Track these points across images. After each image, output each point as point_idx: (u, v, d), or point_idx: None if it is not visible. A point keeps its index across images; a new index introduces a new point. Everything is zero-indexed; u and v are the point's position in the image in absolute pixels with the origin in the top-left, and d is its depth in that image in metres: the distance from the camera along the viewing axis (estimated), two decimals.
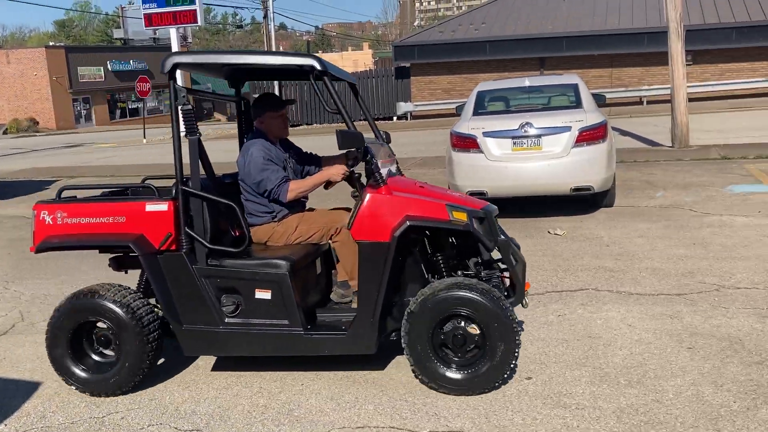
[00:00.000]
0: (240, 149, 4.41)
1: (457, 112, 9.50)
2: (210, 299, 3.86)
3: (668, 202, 8.59)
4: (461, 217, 3.77)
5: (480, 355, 3.65)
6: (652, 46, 23.80)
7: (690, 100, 14.53)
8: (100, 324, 3.91)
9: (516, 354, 3.63)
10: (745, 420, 3.25)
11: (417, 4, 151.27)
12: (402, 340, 3.72)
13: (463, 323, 3.65)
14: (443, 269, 4.00)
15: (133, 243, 3.81)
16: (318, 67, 3.76)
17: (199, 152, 3.90)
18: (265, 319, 3.86)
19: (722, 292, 5.12)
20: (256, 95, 4.47)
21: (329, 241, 4.17)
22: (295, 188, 4.10)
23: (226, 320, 3.87)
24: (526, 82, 9.45)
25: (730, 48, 26.01)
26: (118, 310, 3.78)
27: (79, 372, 3.89)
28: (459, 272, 4.08)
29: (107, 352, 3.96)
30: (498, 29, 28.69)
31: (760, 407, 3.35)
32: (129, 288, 3.99)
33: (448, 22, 32.60)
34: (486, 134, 8.06)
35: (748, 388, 3.56)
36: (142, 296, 3.98)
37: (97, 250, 4.19)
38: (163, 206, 3.85)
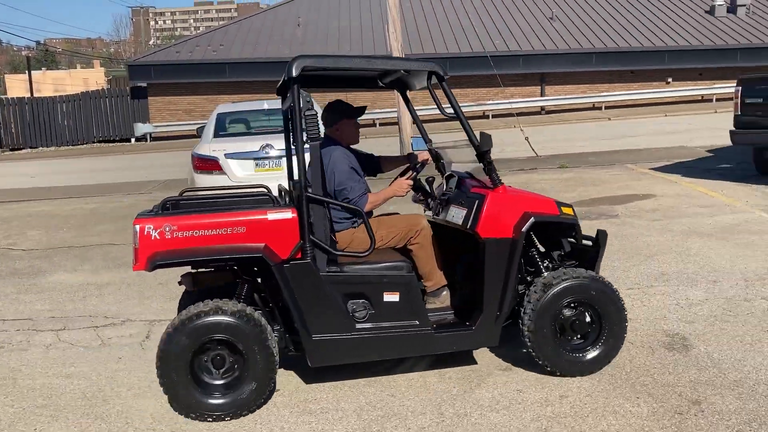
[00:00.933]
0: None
1: (198, 133, 9.46)
2: (339, 306, 3.78)
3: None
4: (569, 211, 4.13)
5: (595, 339, 3.93)
6: None
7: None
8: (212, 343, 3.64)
9: (625, 334, 4.00)
10: (463, 402, 3.74)
11: (152, 23, 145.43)
12: (523, 329, 3.86)
13: (574, 310, 3.90)
14: (539, 262, 4.15)
15: (265, 253, 3.58)
16: (440, 72, 3.98)
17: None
18: (395, 321, 3.85)
19: None
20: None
21: (407, 245, 4.18)
22: (372, 201, 4.16)
23: (357, 326, 3.81)
24: (265, 105, 9.72)
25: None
26: (244, 325, 3.58)
27: (211, 401, 3.62)
28: (547, 264, 4.22)
29: (216, 371, 3.66)
30: (236, 52, 28.83)
31: (475, 389, 3.88)
32: (241, 303, 3.74)
33: (185, 42, 31.91)
34: (228, 156, 8.17)
35: (465, 374, 4.09)
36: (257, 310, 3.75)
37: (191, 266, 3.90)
38: (287, 214, 3.72)
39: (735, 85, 10.33)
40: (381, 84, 4.49)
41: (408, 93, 4.88)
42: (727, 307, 4.97)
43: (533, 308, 3.85)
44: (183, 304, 4.17)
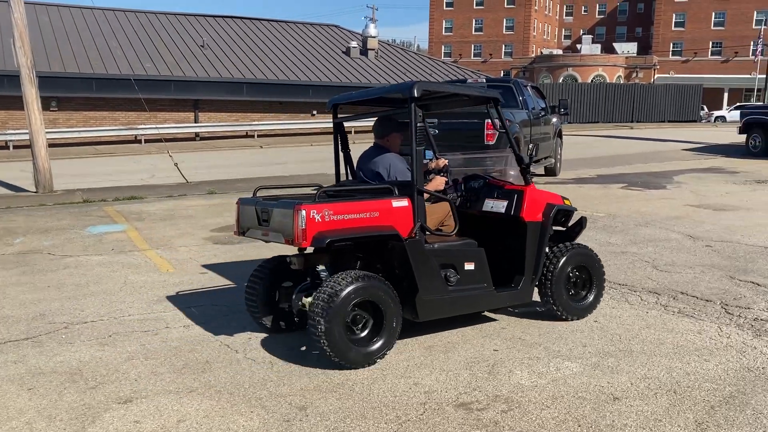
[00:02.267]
0: (347, 162, 5.66)
1: None
2: (438, 273, 4.69)
3: (27, 248, 8.51)
4: (568, 203, 5.46)
5: (586, 286, 5.43)
6: (14, 90, 23.08)
7: (57, 145, 14.75)
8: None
9: (604, 283, 5.55)
10: None
11: None
12: (548, 283, 5.18)
13: (576, 272, 5.35)
14: None
15: (398, 233, 4.47)
16: (501, 99, 5.21)
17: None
18: (472, 284, 4.86)
19: (70, 329, 5.38)
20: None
21: (440, 226, 5.13)
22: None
23: (450, 288, 4.74)
24: None
25: (93, 97, 27.37)
26: (387, 288, 4.46)
27: (370, 348, 4.44)
28: None
29: (356, 328, 4.45)
30: None
31: (88, 428, 3.68)
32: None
33: None
34: None
35: (80, 414, 3.86)
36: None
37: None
38: (404, 202, 4.58)
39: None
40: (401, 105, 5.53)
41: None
42: None
43: (552, 273, 5.17)
44: (261, 284, 5.00)
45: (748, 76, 60.79)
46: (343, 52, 35.42)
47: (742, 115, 20.08)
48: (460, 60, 72.02)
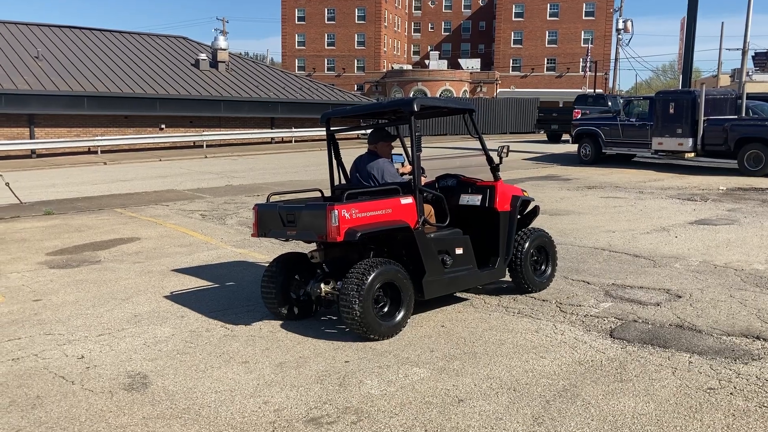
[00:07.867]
0: (340, 167, 6.34)
1: None
2: (437, 257, 5.53)
3: None
4: (527, 194, 6.43)
5: (545, 263, 6.49)
6: None
7: None
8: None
9: (557, 259, 6.73)
10: None
11: None
12: (518, 264, 6.14)
13: (537, 251, 6.43)
14: None
15: (409, 225, 5.29)
16: (474, 109, 6.17)
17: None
18: (462, 266, 5.75)
19: None
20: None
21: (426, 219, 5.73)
22: None
23: (446, 270, 5.60)
24: None
25: None
26: (402, 271, 5.28)
27: (393, 321, 5.23)
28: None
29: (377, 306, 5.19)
30: None
31: None
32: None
33: None
34: None
35: None
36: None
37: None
38: (409, 199, 5.40)
39: None
40: (393, 117, 6.44)
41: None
42: (190, 339, 5.34)
43: (522, 252, 6.16)
44: (277, 279, 5.62)
45: (579, 90, 65.92)
46: (192, 64, 34.38)
47: (573, 127, 21.67)
48: (315, 74, 72.33)
